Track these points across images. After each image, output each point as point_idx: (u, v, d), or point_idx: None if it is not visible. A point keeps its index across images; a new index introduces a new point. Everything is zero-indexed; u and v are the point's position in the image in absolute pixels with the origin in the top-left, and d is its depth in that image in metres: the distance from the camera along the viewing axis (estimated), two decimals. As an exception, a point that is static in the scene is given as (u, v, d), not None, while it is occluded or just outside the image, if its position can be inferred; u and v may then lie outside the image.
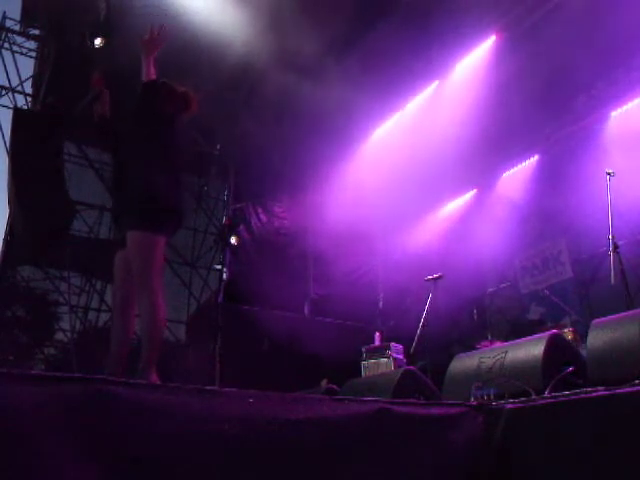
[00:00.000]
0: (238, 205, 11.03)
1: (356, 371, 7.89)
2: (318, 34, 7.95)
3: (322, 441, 2.39)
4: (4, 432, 1.67)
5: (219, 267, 10.64)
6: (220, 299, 10.17)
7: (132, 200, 3.47)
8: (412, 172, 8.99)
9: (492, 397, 3.37)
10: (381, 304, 11.71)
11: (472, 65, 8.55)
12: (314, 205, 10.54)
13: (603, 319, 3.49)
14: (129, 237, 3.39)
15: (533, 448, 2.82)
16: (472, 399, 3.45)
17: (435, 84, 9.13)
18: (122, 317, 3.50)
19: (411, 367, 4.83)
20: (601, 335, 3.31)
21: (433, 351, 6.33)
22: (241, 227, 10.95)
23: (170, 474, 1.98)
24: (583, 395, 2.77)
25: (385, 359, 7.85)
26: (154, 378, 3.19)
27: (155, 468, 1.94)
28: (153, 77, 3.82)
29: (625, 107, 8.10)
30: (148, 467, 1.93)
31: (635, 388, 2.55)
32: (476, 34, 8.18)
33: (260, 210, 11.24)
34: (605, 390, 2.67)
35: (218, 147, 11.08)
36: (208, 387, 2.30)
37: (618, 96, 8.01)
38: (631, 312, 3.53)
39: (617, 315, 3.48)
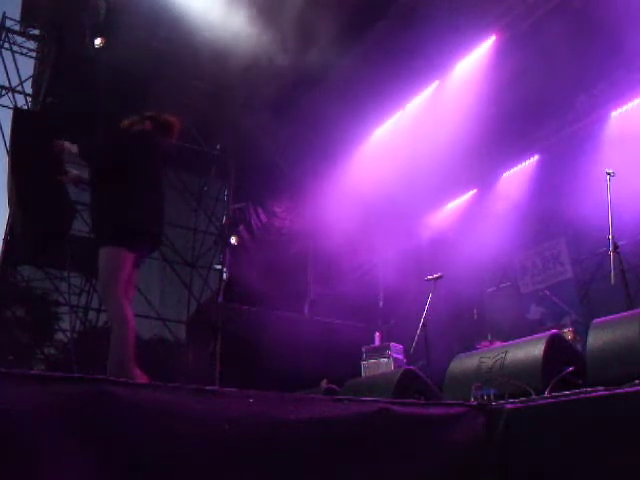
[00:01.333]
0: (238, 205, 11.03)
1: (356, 371, 7.89)
2: (318, 34, 7.95)
3: (322, 441, 2.39)
4: (4, 432, 1.67)
5: (219, 267, 10.65)
6: (220, 299, 10.18)
7: (102, 221, 3.73)
8: (412, 172, 8.98)
9: (492, 397, 3.37)
10: (381, 304, 11.71)
11: (472, 65, 8.54)
12: (314, 205, 10.54)
13: (603, 319, 3.49)
14: (100, 253, 3.63)
15: (533, 448, 2.82)
16: (472, 399, 3.45)
17: (435, 84, 9.13)
18: None
19: (411, 367, 4.83)
20: (601, 335, 3.31)
21: (433, 351, 6.33)
22: (241, 227, 10.95)
23: (170, 474, 1.98)
24: (583, 395, 2.77)
25: (385, 359, 7.85)
26: (138, 372, 3.37)
27: (155, 468, 1.95)
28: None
29: (625, 107, 8.10)
30: (148, 467, 1.93)
31: (635, 388, 2.55)
32: (476, 34, 8.18)
33: (260, 210, 11.24)
34: (605, 390, 2.67)
35: (218, 147, 11.09)
36: (208, 387, 2.30)
37: (618, 96, 8.01)
38: (631, 312, 3.53)
39: (617, 315, 3.48)
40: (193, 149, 10.43)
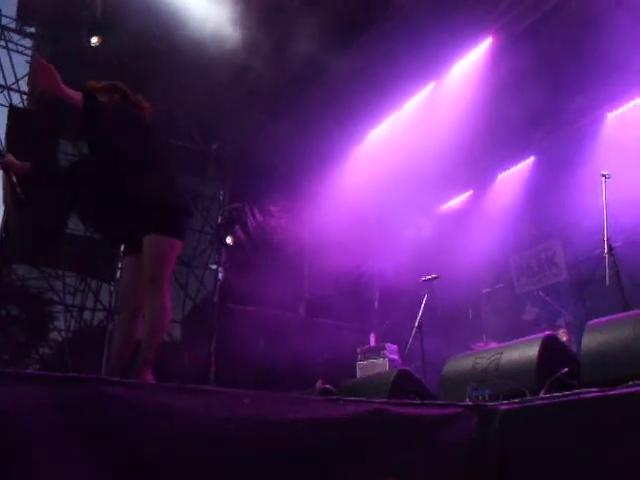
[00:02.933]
0: (234, 205, 11.02)
1: (351, 372, 7.90)
2: (316, 34, 7.96)
3: (317, 442, 2.39)
4: (3, 431, 1.67)
5: (215, 267, 10.64)
6: (216, 299, 10.17)
7: (147, 206, 3.39)
8: (408, 173, 8.99)
9: (487, 398, 3.39)
10: (377, 304, 11.72)
11: (469, 66, 8.54)
12: (310, 205, 10.54)
13: (597, 320, 3.51)
14: (148, 241, 3.35)
15: (527, 448, 2.83)
16: (467, 400, 3.46)
17: (432, 85, 9.13)
18: (130, 322, 3.48)
19: (406, 368, 4.84)
20: (595, 336, 3.33)
21: (429, 352, 6.34)
22: (237, 227, 10.94)
23: (169, 474, 1.98)
24: (577, 396, 2.78)
25: (380, 359, 7.86)
26: (150, 378, 3.19)
27: (154, 468, 1.95)
28: (78, 100, 3.32)
29: (621, 109, 8.13)
30: (147, 467, 1.93)
31: (628, 389, 2.56)
32: (473, 35, 8.18)
33: (256, 210, 11.22)
34: (598, 391, 2.68)
35: (215, 146, 11.07)
36: (204, 387, 2.30)
37: (614, 98, 8.04)
38: (625, 314, 3.55)
39: (611, 317, 3.50)
40: (190, 148, 10.41)
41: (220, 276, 10.41)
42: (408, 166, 8.98)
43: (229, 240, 10.64)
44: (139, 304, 3.44)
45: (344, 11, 8.07)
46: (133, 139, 3.52)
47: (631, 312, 3.53)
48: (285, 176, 10.91)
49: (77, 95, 3.29)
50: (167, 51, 8.29)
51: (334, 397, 3.07)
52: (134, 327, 3.45)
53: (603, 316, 3.55)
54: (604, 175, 5.34)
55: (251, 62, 8.25)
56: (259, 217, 11.22)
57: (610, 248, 4.95)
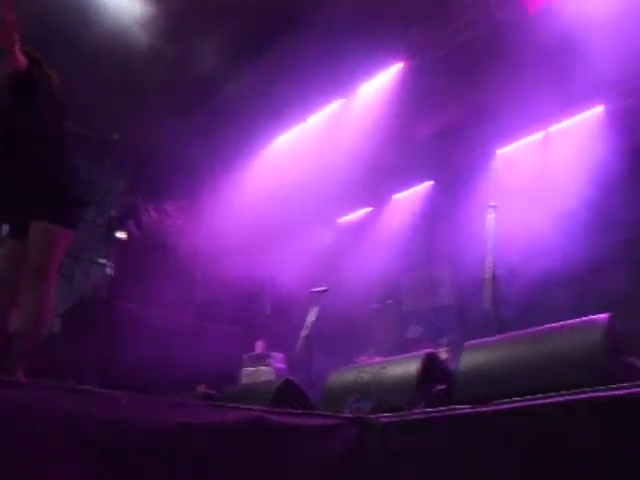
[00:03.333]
0: (128, 198, 10.62)
1: (236, 378, 7.84)
2: (227, 36, 7.92)
3: (195, 448, 2.35)
4: None
5: (103, 261, 10.20)
6: (102, 294, 9.74)
7: (43, 190, 3.23)
8: (311, 183, 9.08)
9: (367, 410, 3.47)
10: (268, 312, 11.68)
11: (378, 88, 8.80)
12: (210, 207, 10.38)
13: (475, 341, 3.70)
14: (37, 227, 3.18)
15: (404, 462, 2.93)
16: (347, 412, 3.53)
17: (341, 101, 9.30)
18: (4, 311, 3.25)
19: (291, 377, 4.86)
20: (473, 356, 3.52)
21: (316, 363, 6.40)
22: (130, 222, 10.54)
23: (39, 476, 1.87)
24: (450, 412, 2.91)
25: (265, 367, 7.86)
26: (21, 375, 3.03)
27: (24, 467, 1.84)
28: (22, 64, 3.17)
29: (509, 147, 8.73)
30: (15, 466, 1.82)
31: (496, 407, 2.72)
32: (385, 58, 8.43)
33: (151, 206, 10.88)
34: (471, 408, 2.83)
35: (117, 136, 10.62)
36: (81, 387, 2.20)
37: (503, 136, 8.60)
38: (501, 336, 3.77)
39: (487, 339, 3.71)
40: (89, 135, 9.93)
41: (109, 271, 10.00)
42: (312, 176, 9.07)
43: (121, 235, 10.22)
44: (17, 292, 3.24)
45: (259, 18, 8.07)
46: (50, 115, 3.35)
47: (507, 334, 3.76)
48: (185, 176, 10.67)
49: (23, 60, 3.13)
50: (77, 32, 7.90)
51: (219, 403, 3.04)
52: (7, 317, 3.25)
53: (482, 338, 3.76)
54: (491, 205, 5.69)
55: (160, 59, 8.07)
56: (154, 214, 10.87)
57: (493, 275, 5.25)
